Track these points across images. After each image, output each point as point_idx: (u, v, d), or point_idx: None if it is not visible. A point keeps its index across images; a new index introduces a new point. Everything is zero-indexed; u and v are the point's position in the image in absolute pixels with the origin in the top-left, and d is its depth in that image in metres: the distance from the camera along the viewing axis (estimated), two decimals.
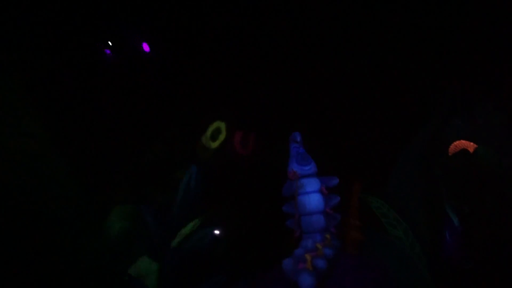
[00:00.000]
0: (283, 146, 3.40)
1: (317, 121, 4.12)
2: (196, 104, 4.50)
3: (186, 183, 3.91)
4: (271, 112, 4.28)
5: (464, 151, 3.28)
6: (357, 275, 2.99)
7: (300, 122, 4.08)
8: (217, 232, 3.89)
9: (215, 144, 4.43)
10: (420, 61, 3.75)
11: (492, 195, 3.07)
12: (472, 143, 3.28)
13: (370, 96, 4.01)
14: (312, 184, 3.23)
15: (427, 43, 3.71)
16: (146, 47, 4.48)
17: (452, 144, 3.36)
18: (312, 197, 3.18)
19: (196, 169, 3.96)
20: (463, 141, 3.32)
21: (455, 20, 3.61)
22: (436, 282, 3.03)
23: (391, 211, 3.38)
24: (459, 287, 2.99)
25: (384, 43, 3.90)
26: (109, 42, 4.20)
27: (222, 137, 4.39)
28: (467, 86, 3.45)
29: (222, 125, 4.45)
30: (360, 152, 4.02)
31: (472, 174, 3.17)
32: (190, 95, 4.54)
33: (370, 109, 4.00)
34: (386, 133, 3.93)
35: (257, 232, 3.87)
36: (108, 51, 4.48)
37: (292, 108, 4.22)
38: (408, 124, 3.74)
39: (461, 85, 3.47)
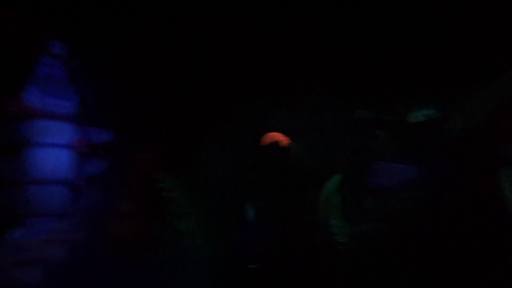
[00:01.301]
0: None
1: (104, 33, 2.91)
2: None
3: None
4: None
5: (275, 143, 3.27)
6: None
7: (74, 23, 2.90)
8: None
9: None
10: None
11: (295, 193, 3.09)
12: (285, 137, 3.29)
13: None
14: (58, 133, 2.34)
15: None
16: None
17: (266, 135, 3.33)
18: (52, 153, 2.29)
19: None
20: (276, 134, 3.31)
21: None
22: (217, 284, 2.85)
23: (184, 197, 3.03)
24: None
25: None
26: None
27: None
28: (294, 78, 3.49)
29: None
30: (167, 114, 3.39)
31: (276, 168, 3.18)
32: None
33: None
34: (208, 104, 3.50)
35: None
36: None
37: None
38: (234, 101, 3.47)
39: (289, 77, 3.52)
